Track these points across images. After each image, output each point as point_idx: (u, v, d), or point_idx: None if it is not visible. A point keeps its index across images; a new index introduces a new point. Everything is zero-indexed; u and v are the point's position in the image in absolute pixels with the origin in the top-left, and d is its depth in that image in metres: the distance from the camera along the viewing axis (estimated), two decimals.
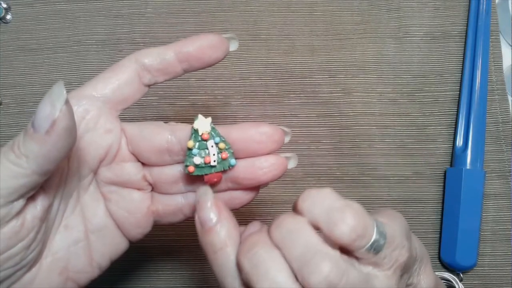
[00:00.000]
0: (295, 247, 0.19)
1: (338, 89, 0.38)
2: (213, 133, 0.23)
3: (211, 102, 0.38)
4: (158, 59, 0.24)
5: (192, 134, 0.23)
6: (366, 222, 0.20)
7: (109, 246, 0.25)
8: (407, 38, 0.39)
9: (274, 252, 0.20)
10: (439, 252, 0.36)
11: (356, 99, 0.38)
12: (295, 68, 0.39)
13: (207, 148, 0.23)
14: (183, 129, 0.24)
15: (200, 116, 0.23)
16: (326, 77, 0.39)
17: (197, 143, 0.23)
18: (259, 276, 0.19)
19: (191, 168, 0.23)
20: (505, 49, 0.40)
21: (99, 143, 0.23)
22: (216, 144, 0.23)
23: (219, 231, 0.22)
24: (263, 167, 0.23)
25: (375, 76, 0.39)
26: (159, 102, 0.38)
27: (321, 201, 0.20)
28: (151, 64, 0.24)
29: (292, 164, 0.24)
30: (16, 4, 0.40)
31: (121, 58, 0.40)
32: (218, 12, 0.40)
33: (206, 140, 0.23)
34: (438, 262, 0.36)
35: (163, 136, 0.23)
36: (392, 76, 0.39)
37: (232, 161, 0.23)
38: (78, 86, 0.38)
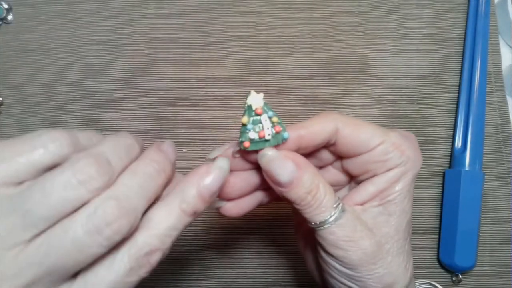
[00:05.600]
0: None
1: (337, 91, 0.39)
2: (265, 108, 0.23)
3: (211, 103, 0.39)
4: None
5: (245, 110, 0.23)
6: None
7: None
8: (406, 40, 0.40)
9: None
10: (438, 253, 0.36)
11: (356, 101, 0.38)
12: (295, 69, 0.39)
13: (261, 123, 0.23)
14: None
15: (252, 92, 0.23)
16: (325, 78, 0.39)
17: (251, 119, 0.23)
18: None
19: (246, 144, 0.23)
20: (504, 50, 0.40)
21: None
22: (270, 118, 0.23)
23: (305, 177, 0.23)
24: None
25: (374, 78, 0.39)
26: (160, 103, 0.39)
27: None
28: None
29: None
30: (18, 5, 0.41)
31: (122, 59, 0.41)
32: (218, 13, 0.40)
33: (259, 115, 0.23)
34: (437, 263, 0.36)
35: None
36: (391, 78, 0.39)
37: (285, 134, 0.23)
38: (79, 86, 0.39)
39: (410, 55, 0.39)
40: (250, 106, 0.23)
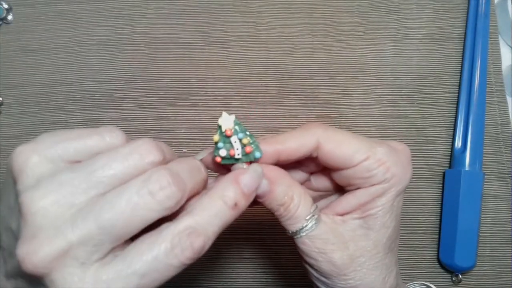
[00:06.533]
0: None
1: (337, 91, 0.39)
2: (237, 129, 0.24)
3: (211, 103, 0.39)
4: None
5: (217, 129, 0.24)
6: None
7: None
8: (406, 40, 0.40)
9: None
10: (438, 253, 0.36)
11: (356, 101, 0.38)
12: (295, 69, 0.39)
13: (231, 143, 0.24)
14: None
15: (224, 113, 0.24)
16: (325, 78, 0.39)
17: (222, 138, 0.24)
18: None
19: (218, 159, 0.24)
20: (504, 50, 0.40)
21: None
22: (240, 139, 0.24)
23: (277, 191, 0.24)
24: None
25: (374, 78, 0.39)
26: (160, 103, 0.39)
27: None
28: None
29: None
30: (18, 5, 0.41)
31: (122, 59, 0.41)
32: (218, 13, 0.40)
33: (229, 137, 0.24)
34: (437, 263, 0.36)
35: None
36: (391, 78, 0.39)
37: (257, 154, 0.24)
38: (79, 86, 0.39)
39: (410, 55, 0.39)
40: (220, 127, 0.24)
